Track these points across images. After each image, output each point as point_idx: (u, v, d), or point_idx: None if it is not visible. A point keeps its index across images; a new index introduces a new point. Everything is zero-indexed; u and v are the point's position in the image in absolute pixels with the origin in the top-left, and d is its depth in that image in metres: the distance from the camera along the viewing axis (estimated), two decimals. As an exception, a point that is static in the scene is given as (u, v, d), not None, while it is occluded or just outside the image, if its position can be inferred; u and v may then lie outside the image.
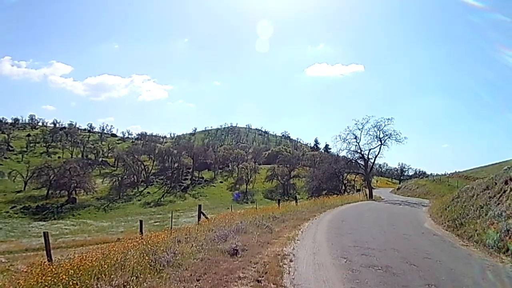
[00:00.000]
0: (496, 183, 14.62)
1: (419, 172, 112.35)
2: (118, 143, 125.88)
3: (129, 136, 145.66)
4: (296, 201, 27.42)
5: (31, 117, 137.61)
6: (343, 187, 52.95)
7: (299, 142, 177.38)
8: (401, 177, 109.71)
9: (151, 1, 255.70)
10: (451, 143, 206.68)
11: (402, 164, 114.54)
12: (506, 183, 13.73)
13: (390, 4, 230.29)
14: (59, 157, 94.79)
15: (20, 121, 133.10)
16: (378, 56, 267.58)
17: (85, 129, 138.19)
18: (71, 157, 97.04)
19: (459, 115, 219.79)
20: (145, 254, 7.50)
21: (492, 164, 49.65)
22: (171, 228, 13.23)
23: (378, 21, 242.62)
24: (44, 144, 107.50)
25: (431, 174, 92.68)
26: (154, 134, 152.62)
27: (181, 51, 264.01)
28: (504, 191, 13.33)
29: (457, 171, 62.06)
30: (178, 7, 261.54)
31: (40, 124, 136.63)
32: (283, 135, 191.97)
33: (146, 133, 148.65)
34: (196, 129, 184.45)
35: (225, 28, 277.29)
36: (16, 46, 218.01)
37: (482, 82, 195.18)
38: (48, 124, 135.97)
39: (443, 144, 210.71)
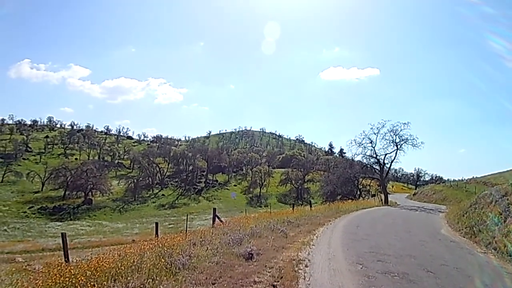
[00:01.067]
0: (515, 189, 14.30)
1: (435, 177, 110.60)
2: (134, 146, 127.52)
3: (145, 138, 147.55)
4: (311, 206, 27.31)
5: (50, 119, 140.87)
6: (358, 192, 52.39)
7: (314, 146, 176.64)
8: (417, 183, 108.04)
9: (168, 5, 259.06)
10: (468, 148, 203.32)
11: (418, 169, 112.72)
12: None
13: (405, 7, 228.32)
14: (76, 159, 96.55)
15: (39, 123, 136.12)
16: (394, 59, 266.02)
17: (102, 132, 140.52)
18: (88, 159, 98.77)
19: (476, 119, 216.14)
20: (161, 257, 7.53)
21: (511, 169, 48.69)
22: (186, 231, 13.31)
23: (393, 24, 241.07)
24: (62, 146, 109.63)
25: (448, 179, 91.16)
26: (169, 137, 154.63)
27: (197, 55, 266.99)
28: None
29: (474, 176, 60.98)
30: (194, 12, 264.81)
31: (58, 126, 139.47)
32: (297, 139, 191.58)
33: (161, 136, 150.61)
34: (210, 132, 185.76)
35: (240, 32, 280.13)
36: (35, 49, 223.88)
37: (499, 85, 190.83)
38: (66, 126, 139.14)
39: (460, 149, 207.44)
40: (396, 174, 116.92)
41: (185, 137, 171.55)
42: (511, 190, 14.58)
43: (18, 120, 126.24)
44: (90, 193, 71.15)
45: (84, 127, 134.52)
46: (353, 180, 51.76)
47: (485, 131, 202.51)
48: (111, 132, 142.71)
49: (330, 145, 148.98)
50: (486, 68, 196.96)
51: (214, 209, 15.85)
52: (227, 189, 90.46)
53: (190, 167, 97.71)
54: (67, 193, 71.08)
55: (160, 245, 8.59)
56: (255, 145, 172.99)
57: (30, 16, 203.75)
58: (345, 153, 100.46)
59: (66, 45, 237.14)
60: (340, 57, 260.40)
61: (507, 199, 14.14)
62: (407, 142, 41.79)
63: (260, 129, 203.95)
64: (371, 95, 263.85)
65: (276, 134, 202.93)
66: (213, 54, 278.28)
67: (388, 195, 45.78)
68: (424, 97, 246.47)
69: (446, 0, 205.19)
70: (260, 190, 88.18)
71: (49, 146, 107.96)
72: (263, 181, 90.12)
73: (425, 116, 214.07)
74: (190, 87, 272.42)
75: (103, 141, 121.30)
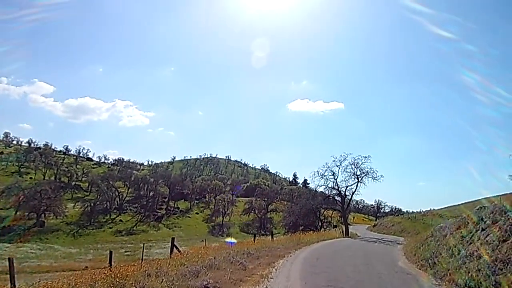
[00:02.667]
0: (468, 223, 14.81)
1: (395, 209, 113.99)
2: (94, 168, 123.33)
3: (106, 161, 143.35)
4: (272, 237, 27.18)
5: (6, 135, 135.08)
6: (320, 223, 52.77)
7: (278, 175, 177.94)
8: (378, 214, 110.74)
9: (141, 28, 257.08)
10: (427, 181, 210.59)
11: (378, 201, 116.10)
12: (477, 223, 13.95)
13: (370, 44, 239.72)
14: (31, 178, 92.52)
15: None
16: (358, 94, 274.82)
17: (60, 151, 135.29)
18: (44, 178, 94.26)
19: (436, 153, 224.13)
20: (112, 288, 7.23)
21: (466, 203, 50.54)
22: (141, 260, 12.88)
23: (359, 59, 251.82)
24: (17, 164, 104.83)
25: (406, 211, 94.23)
26: (131, 160, 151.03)
27: (166, 80, 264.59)
28: (476, 231, 13.53)
29: (432, 209, 63.17)
30: (167, 37, 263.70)
31: (14, 142, 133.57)
32: (262, 168, 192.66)
33: (123, 159, 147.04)
34: (175, 158, 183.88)
35: (211, 61, 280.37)
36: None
37: (465, 117, 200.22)
38: (23, 143, 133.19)
39: (419, 182, 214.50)
40: (357, 206, 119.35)
41: (148, 161, 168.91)
42: (464, 223, 15.13)
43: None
44: (43, 215, 67.65)
45: (42, 146, 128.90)
46: (315, 211, 52.16)
47: (444, 165, 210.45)
48: (70, 152, 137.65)
49: (295, 175, 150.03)
50: (454, 99, 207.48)
51: (173, 238, 15.43)
52: (188, 217, 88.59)
53: (151, 193, 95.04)
54: (18, 213, 67.27)
55: (113, 275, 8.25)
56: (220, 172, 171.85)
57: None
58: (308, 183, 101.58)
59: (31, 60, 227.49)
60: (307, 90, 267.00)
61: (461, 232, 14.64)
62: (367, 175, 42.74)
63: (226, 157, 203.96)
64: (335, 128, 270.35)
65: (241, 163, 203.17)
66: (183, 80, 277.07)
67: (349, 226, 46.40)
68: (387, 131, 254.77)
69: (410, 36, 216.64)
70: (223, 219, 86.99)
71: (2, 163, 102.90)
72: (226, 209, 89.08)
73: (387, 150, 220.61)
74: (158, 111, 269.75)
75: (61, 161, 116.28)
